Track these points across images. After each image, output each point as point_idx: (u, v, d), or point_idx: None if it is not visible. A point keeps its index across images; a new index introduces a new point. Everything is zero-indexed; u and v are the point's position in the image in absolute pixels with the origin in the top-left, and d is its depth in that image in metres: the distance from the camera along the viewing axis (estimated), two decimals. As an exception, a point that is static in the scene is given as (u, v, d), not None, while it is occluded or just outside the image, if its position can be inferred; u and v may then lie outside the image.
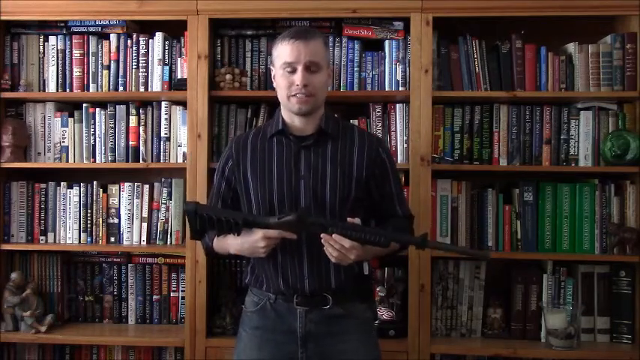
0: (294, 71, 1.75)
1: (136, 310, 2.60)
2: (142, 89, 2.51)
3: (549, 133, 2.44)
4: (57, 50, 2.55)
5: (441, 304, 2.47)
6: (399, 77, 2.45)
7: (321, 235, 1.65)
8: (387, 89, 2.46)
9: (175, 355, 2.56)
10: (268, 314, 1.81)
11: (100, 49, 2.54)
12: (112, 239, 2.56)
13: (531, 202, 2.43)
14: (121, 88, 2.52)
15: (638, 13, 2.36)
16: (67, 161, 2.56)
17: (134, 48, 2.51)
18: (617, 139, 2.36)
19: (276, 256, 1.77)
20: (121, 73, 2.53)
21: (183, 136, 2.49)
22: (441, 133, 2.46)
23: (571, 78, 2.43)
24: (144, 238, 2.53)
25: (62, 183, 2.58)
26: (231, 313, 2.42)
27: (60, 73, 2.55)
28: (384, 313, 2.41)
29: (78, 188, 2.56)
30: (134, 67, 2.51)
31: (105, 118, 2.54)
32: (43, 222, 2.58)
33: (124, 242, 2.55)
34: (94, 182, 2.56)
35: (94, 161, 2.55)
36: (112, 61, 2.53)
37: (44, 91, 2.56)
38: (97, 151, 2.55)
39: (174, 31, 2.51)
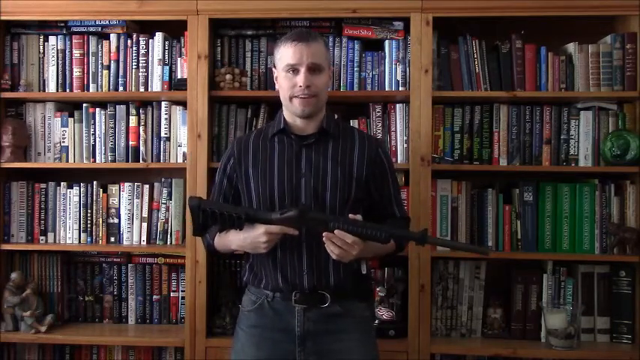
0: (296, 73, 1.76)
1: (136, 310, 2.60)
2: (142, 89, 2.51)
3: (549, 133, 2.44)
4: (57, 50, 2.55)
5: (441, 304, 2.47)
6: (399, 77, 2.45)
7: (323, 234, 1.65)
8: (387, 89, 2.46)
9: (175, 355, 2.56)
10: (266, 313, 1.81)
11: (100, 49, 2.54)
12: (112, 239, 2.56)
13: (531, 202, 2.43)
14: (121, 88, 2.52)
15: (638, 13, 2.36)
16: (67, 161, 2.56)
17: (134, 48, 2.51)
18: (617, 139, 2.37)
19: (276, 252, 1.78)
20: (121, 73, 2.53)
21: (183, 136, 2.49)
22: (441, 133, 2.46)
23: (571, 78, 2.43)
24: (144, 238, 2.53)
25: (62, 183, 2.58)
26: (231, 312, 2.42)
27: (60, 73, 2.55)
28: (384, 313, 2.41)
29: (78, 188, 2.56)
30: (134, 67, 2.51)
31: (105, 118, 2.54)
32: (43, 222, 2.58)
33: (124, 242, 2.55)
34: (94, 182, 2.56)
35: (94, 161, 2.55)
36: (112, 61, 2.53)
37: (44, 91, 2.56)
38: (97, 151, 2.55)
39: (174, 31, 2.51)
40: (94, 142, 2.55)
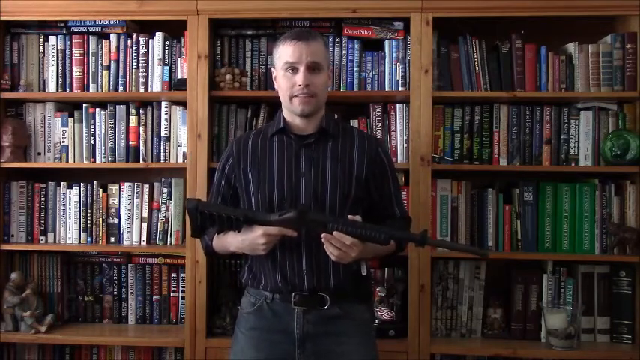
0: (295, 71, 1.76)
1: (136, 310, 2.60)
2: (142, 89, 2.51)
3: (549, 133, 2.44)
4: (57, 50, 2.55)
5: (441, 304, 2.47)
6: (399, 77, 2.45)
7: (322, 235, 1.65)
8: (387, 89, 2.46)
9: (175, 355, 2.56)
10: (265, 314, 1.80)
11: (100, 49, 2.54)
12: (112, 239, 2.56)
13: (531, 202, 2.43)
14: (121, 88, 2.52)
15: (638, 13, 2.36)
16: (67, 161, 2.56)
17: (134, 48, 2.51)
18: (617, 139, 2.37)
19: (275, 253, 1.77)
20: (121, 73, 2.53)
21: (183, 136, 2.49)
22: (441, 133, 2.46)
23: (571, 78, 2.43)
24: (144, 238, 2.53)
25: (62, 183, 2.58)
26: (231, 313, 2.42)
27: (60, 73, 2.55)
28: (384, 313, 2.41)
29: (78, 188, 2.56)
30: (134, 67, 2.51)
31: (105, 118, 2.54)
32: (43, 222, 2.58)
33: (124, 242, 2.55)
34: (94, 182, 2.56)
35: (94, 161, 2.55)
36: (112, 61, 2.53)
37: (44, 91, 2.56)
38: (97, 151, 2.55)
39: (174, 31, 2.51)
40: (94, 142, 2.55)
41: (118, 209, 2.56)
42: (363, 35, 2.46)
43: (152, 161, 2.53)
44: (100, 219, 2.55)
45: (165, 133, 2.52)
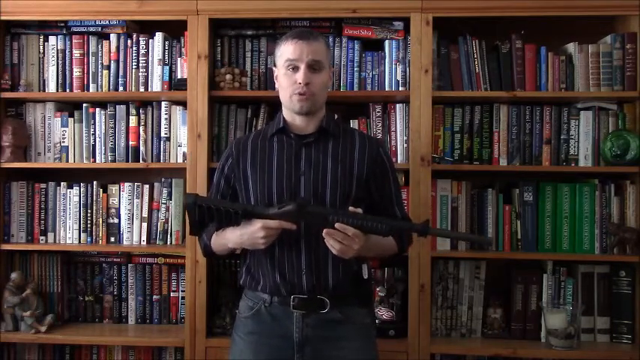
0: (296, 69, 1.76)
1: (136, 310, 2.60)
2: (142, 89, 2.51)
3: (549, 133, 2.44)
4: (57, 50, 2.55)
5: (441, 304, 2.47)
6: (399, 77, 2.45)
7: (324, 231, 1.62)
8: (387, 89, 2.46)
9: (175, 355, 2.56)
10: (264, 319, 1.79)
11: (100, 49, 2.54)
12: (112, 239, 2.56)
13: (531, 202, 2.43)
14: (121, 88, 2.52)
15: (638, 13, 2.36)
16: (67, 161, 2.56)
17: (134, 48, 2.51)
18: (617, 139, 2.37)
19: (274, 251, 1.76)
20: (121, 73, 2.53)
21: (183, 136, 2.49)
22: (441, 133, 2.46)
23: (571, 78, 2.43)
24: (144, 238, 2.53)
25: (62, 183, 2.58)
26: (231, 313, 2.42)
27: (60, 73, 2.55)
28: (384, 313, 2.41)
29: (78, 188, 2.56)
30: (134, 67, 2.51)
31: (105, 118, 2.54)
32: (43, 222, 2.58)
33: (124, 242, 2.55)
34: (94, 182, 2.56)
35: (94, 161, 2.55)
36: (112, 61, 2.53)
37: (44, 91, 2.56)
38: (97, 151, 2.55)
39: (174, 31, 2.51)
40: (94, 142, 2.55)
41: (118, 209, 2.56)
42: (363, 35, 2.46)
43: (152, 161, 2.53)
44: (100, 219, 2.55)
45: (165, 133, 2.52)
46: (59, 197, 2.58)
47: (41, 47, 2.57)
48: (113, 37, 2.53)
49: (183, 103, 2.48)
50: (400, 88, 2.44)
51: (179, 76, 2.49)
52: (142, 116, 2.53)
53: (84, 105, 2.56)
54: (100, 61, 2.54)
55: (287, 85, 1.78)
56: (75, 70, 2.54)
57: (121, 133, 2.54)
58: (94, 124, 2.55)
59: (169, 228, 2.53)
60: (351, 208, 1.66)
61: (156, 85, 2.50)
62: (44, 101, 2.58)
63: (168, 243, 2.53)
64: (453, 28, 2.43)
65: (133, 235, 2.54)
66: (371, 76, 2.48)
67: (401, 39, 2.45)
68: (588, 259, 2.44)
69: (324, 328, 1.75)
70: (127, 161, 2.53)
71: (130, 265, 2.61)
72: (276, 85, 1.85)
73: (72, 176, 2.61)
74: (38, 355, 2.60)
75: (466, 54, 2.43)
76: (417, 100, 2.37)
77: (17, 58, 2.57)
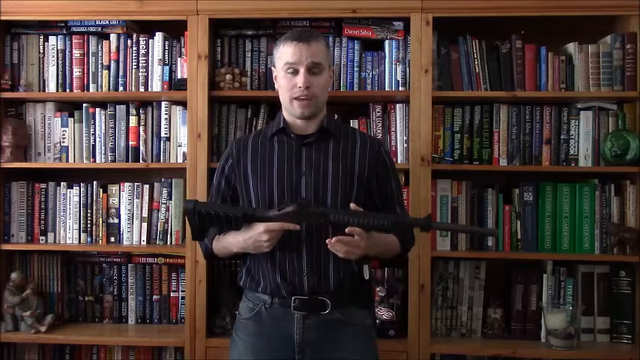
0: (296, 73, 1.75)
1: (136, 310, 2.60)
2: (142, 89, 2.51)
3: (549, 133, 2.44)
4: (57, 50, 2.55)
5: (441, 304, 2.47)
6: (399, 77, 2.45)
7: (333, 239, 1.62)
8: (387, 89, 2.46)
9: (175, 355, 2.56)
10: (264, 320, 1.78)
11: (100, 49, 2.54)
12: (112, 239, 2.56)
13: (531, 202, 2.43)
14: (121, 88, 2.52)
15: (638, 13, 2.36)
16: (67, 161, 2.56)
17: (134, 48, 2.51)
18: (617, 139, 2.37)
19: (274, 252, 1.75)
20: (121, 73, 2.53)
21: (183, 136, 2.49)
22: (441, 133, 2.46)
23: (571, 78, 2.43)
24: (144, 238, 2.53)
25: (62, 183, 2.58)
26: (231, 313, 2.42)
27: (60, 73, 2.55)
28: (384, 313, 2.41)
29: (78, 188, 2.56)
30: (134, 67, 2.51)
31: (105, 118, 2.54)
32: (43, 222, 2.58)
33: (124, 242, 2.55)
34: (94, 182, 2.56)
35: (94, 161, 2.55)
36: (112, 61, 2.53)
37: (44, 91, 2.56)
38: (97, 151, 2.55)
39: (174, 31, 2.51)
40: (94, 142, 2.55)
41: (118, 209, 2.56)
42: (363, 35, 2.46)
43: (152, 161, 2.53)
44: (100, 219, 2.55)
45: (165, 133, 2.52)
46: (59, 197, 2.58)
47: (41, 47, 2.57)
48: (113, 37, 2.53)
49: (183, 103, 2.48)
50: (400, 88, 2.44)
51: (179, 76, 2.49)
52: (142, 116, 2.53)
53: (84, 105, 2.56)
54: (100, 61, 2.54)
55: (287, 88, 1.77)
56: (75, 70, 2.54)
57: (121, 133, 2.53)
58: (94, 124, 2.55)
59: (169, 228, 2.53)
60: (352, 206, 1.66)
61: (156, 85, 2.50)
62: (44, 101, 2.58)
63: (168, 243, 2.53)
64: (453, 28, 2.43)
65: (133, 235, 2.54)
66: (371, 76, 2.48)
67: (401, 39, 2.45)
68: (588, 259, 2.44)
69: (325, 329, 1.75)
70: (127, 161, 2.53)
71: (130, 265, 2.61)
72: (276, 86, 1.85)
73: (72, 176, 2.61)
74: (38, 355, 2.60)
75: (466, 54, 2.43)
76: (417, 100, 2.37)
77: (17, 58, 2.57)
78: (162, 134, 2.52)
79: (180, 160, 2.51)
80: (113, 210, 2.56)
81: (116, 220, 2.56)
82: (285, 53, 1.76)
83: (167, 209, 2.54)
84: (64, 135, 2.57)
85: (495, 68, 2.44)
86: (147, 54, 2.51)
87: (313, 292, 1.75)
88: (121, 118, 2.54)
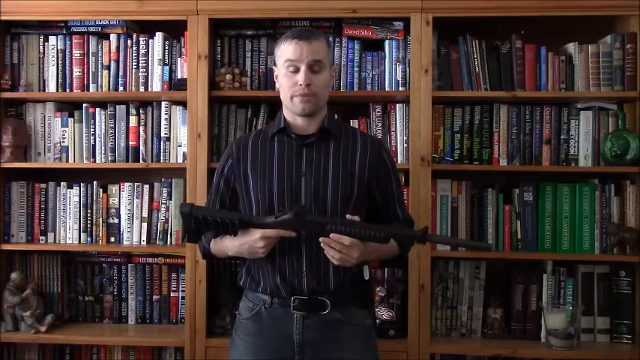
0: (297, 71, 1.75)
1: (136, 310, 2.60)
2: (142, 89, 2.51)
3: (549, 133, 2.44)
4: (57, 50, 2.55)
5: (441, 304, 2.47)
6: (399, 77, 2.45)
7: (320, 239, 1.63)
8: (387, 89, 2.46)
9: (175, 355, 2.56)
10: (264, 320, 1.78)
11: (100, 49, 2.54)
12: (112, 239, 2.56)
13: (531, 202, 2.43)
14: (121, 88, 2.52)
15: (638, 13, 2.36)
16: (67, 161, 2.56)
17: (134, 48, 2.51)
18: (617, 139, 2.37)
19: (274, 253, 1.74)
20: (121, 73, 2.53)
21: (183, 136, 2.49)
22: (441, 133, 2.46)
23: (571, 78, 2.43)
24: (144, 238, 2.53)
25: (62, 183, 2.58)
26: (231, 313, 2.42)
27: (60, 73, 2.55)
28: (384, 313, 2.41)
29: (78, 188, 2.56)
30: (134, 67, 2.51)
31: (105, 118, 2.54)
32: (43, 222, 2.58)
33: (124, 242, 2.55)
34: (94, 182, 2.56)
35: (94, 161, 2.55)
36: (112, 61, 2.53)
37: (44, 91, 2.56)
38: (97, 151, 2.55)
39: (174, 31, 2.51)
40: (94, 142, 2.55)
41: (118, 209, 2.56)
42: (363, 35, 2.46)
43: (152, 161, 2.53)
44: (100, 219, 2.55)
45: (165, 133, 2.52)
46: (59, 197, 2.58)
47: (41, 47, 2.57)
48: (113, 37, 2.53)
49: (183, 103, 2.48)
50: (400, 88, 2.44)
51: (179, 76, 2.49)
52: (142, 116, 2.53)
53: (84, 105, 2.56)
54: (100, 61, 2.54)
55: (287, 85, 1.76)
56: (75, 70, 2.54)
57: (121, 133, 2.53)
58: (94, 124, 2.55)
59: (169, 228, 2.53)
60: (348, 216, 1.65)
61: (156, 85, 2.50)
62: (44, 101, 2.58)
63: (168, 243, 2.53)
64: (453, 28, 2.43)
65: (133, 235, 2.54)
66: (371, 76, 2.48)
67: (401, 39, 2.45)
68: (588, 259, 2.44)
69: (325, 329, 1.75)
70: (127, 161, 2.53)
71: (130, 265, 2.61)
72: (277, 85, 1.84)
73: (72, 176, 2.61)
74: (38, 355, 2.60)
75: (466, 54, 2.43)
76: (417, 100, 2.37)
77: (17, 58, 2.57)
78: (163, 134, 2.52)
79: (180, 160, 2.51)
80: (113, 210, 2.56)
81: (116, 220, 2.56)
82: (286, 51, 1.76)
83: (167, 209, 2.54)
84: (64, 135, 2.57)
85: (495, 68, 2.44)
86: (147, 54, 2.51)
87: (313, 293, 1.75)
88: (121, 118, 2.54)
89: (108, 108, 2.54)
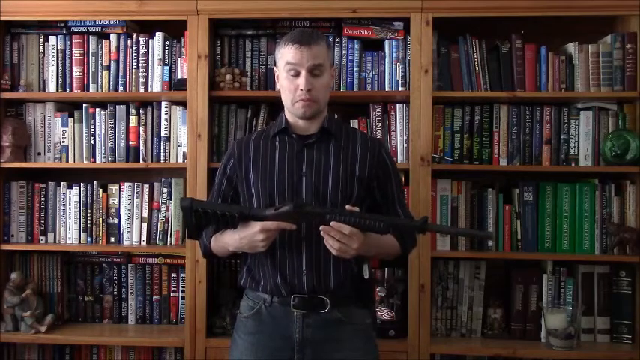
0: (297, 74, 1.75)
1: (136, 310, 2.60)
2: (142, 89, 2.51)
3: (549, 133, 2.44)
4: (57, 50, 2.55)
5: (441, 304, 2.47)
6: (399, 77, 2.45)
7: (320, 228, 1.63)
8: (387, 89, 2.46)
9: (175, 355, 2.56)
10: (264, 319, 1.78)
11: (100, 49, 2.54)
12: (112, 239, 2.56)
13: (531, 202, 2.43)
14: (121, 88, 2.52)
15: (638, 13, 2.36)
16: (67, 161, 2.56)
17: (134, 48, 2.51)
18: (617, 139, 2.37)
19: (274, 252, 1.75)
20: (121, 73, 2.53)
21: (183, 136, 2.49)
22: (441, 133, 2.46)
23: (571, 78, 2.43)
24: (144, 238, 2.53)
25: (62, 183, 2.58)
26: (231, 313, 2.42)
27: (60, 73, 2.55)
28: (384, 313, 2.41)
29: (78, 188, 2.56)
30: (134, 67, 2.51)
31: (105, 118, 2.55)
32: (43, 222, 2.58)
33: (124, 242, 2.55)
34: (94, 182, 2.56)
35: (94, 161, 2.55)
36: (112, 61, 2.53)
37: (44, 91, 2.56)
38: (97, 151, 2.55)
39: (174, 31, 2.51)
40: (94, 142, 2.55)
41: (118, 209, 2.56)
42: (363, 35, 2.46)
43: (152, 161, 2.53)
44: (100, 219, 2.55)
45: (165, 133, 2.52)
46: (59, 197, 2.58)
47: (41, 47, 2.57)
48: (113, 37, 2.53)
49: (183, 103, 2.48)
50: (400, 88, 2.44)
51: (179, 76, 2.49)
52: (142, 116, 2.53)
53: (84, 105, 2.56)
54: (100, 61, 2.54)
55: (289, 89, 1.77)
56: (75, 70, 2.54)
57: (121, 133, 2.54)
58: (94, 124, 2.55)
59: (169, 228, 2.53)
60: (348, 207, 1.65)
61: (156, 85, 2.50)
62: (44, 101, 2.58)
63: (168, 243, 2.53)
64: (453, 28, 2.43)
65: (133, 235, 2.54)
66: (371, 76, 2.48)
67: (401, 39, 2.45)
68: (588, 259, 2.43)
69: (325, 328, 1.75)
70: (127, 161, 2.53)
71: (130, 265, 2.61)
72: (277, 86, 1.85)
73: (72, 176, 2.61)
74: (38, 355, 2.60)
75: (466, 54, 2.43)
76: (417, 100, 2.37)
77: (17, 58, 2.57)
78: (163, 134, 2.52)
79: (180, 160, 2.51)
80: (113, 210, 2.56)
81: (116, 220, 2.56)
82: (286, 54, 1.76)
83: (167, 209, 2.54)
84: (64, 135, 2.57)
85: (495, 68, 2.44)
86: (147, 54, 2.51)
87: (313, 291, 1.75)
88: (121, 118, 2.54)
89: (108, 108, 2.54)
